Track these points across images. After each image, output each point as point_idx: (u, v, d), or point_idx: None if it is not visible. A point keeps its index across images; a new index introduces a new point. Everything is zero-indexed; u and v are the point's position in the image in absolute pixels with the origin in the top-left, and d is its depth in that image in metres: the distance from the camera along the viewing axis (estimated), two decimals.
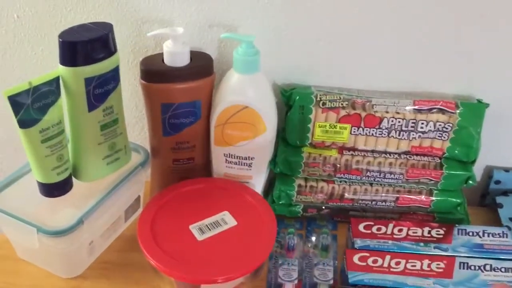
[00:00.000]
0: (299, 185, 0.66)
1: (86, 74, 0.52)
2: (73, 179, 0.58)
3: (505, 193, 0.70)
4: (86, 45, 0.51)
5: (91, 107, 0.55)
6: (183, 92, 0.60)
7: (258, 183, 0.65)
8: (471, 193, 0.71)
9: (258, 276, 0.57)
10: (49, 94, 0.52)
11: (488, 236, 0.61)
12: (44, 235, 0.53)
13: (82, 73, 0.52)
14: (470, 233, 0.61)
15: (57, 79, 0.52)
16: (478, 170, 0.71)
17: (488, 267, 0.57)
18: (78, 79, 0.52)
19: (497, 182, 0.70)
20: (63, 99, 0.54)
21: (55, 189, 0.56)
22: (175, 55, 0.59)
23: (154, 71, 0.59)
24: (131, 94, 0.68)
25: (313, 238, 0.65)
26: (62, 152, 0.55)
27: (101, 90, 0.54)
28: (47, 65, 0.68)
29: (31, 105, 0.50)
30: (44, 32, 0.65)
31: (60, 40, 0.51)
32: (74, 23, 0.54)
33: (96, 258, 0.62)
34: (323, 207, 0.67)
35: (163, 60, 0.59)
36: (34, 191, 0.56)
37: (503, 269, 0.57)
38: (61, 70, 0.52)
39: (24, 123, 0.51)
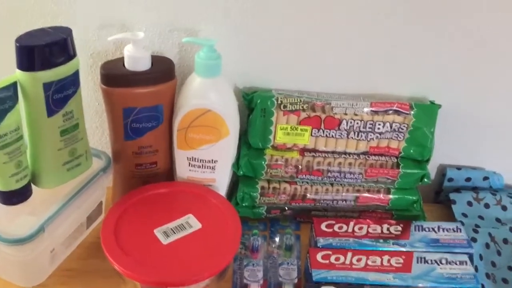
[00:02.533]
0: (262, 187, 0.66)
1: (45, 79, 0.52)
2: (33, 185, 0.57)
3: (457, 190, 0.73)
4: (44, 49, 0.50)
5: (50, 112, 0.54)
6: (144, 96, 0.60)
7: (221, 186, 0.66)
8: (426, 191, 0.73)
9: (223, 278, 0.58)
10: (6, 99, 0.50)
11: (443, 231, 0.64)
12: (4, 244, 0.52)
13: (41, 78, 0.51)
14: (426, 229, 0.64)
15: (14, 84, 0.51)
16: (432, 169, 0.74)
17: (444, 261, 0.59)
18: (36, 84, 0.51)
19: (450, 179, 0.73)
20: (21, 104, 0.53)
21: (13, 197, 0.55)
22: (136, 59, 0.58)
23: (115, 76, 0.59)
24: (91, 99, 0.68)
25: (277, 239, 0.66)
26: (20, 159, 0.53)
27: (61, 95, 0.54)
28: (5, 70, 0.66)
29: None
30: (1, 36, 0.63)
31: (17, 44, 0.50)
32: (30, 28, 0.53)
33: (57, 266, 0.60)
34: (286, 208, 0.68)
35: (124, 65, 0.59)
36: None
37: (458, 262, 0.59)
38: (19, 75, 0.51)
39: None
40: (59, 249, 0.59)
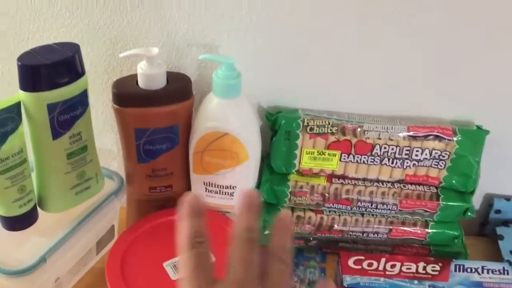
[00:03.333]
0: None
1: (49, 100, 0.48)
2: (40, 210, 0.54)
3: (505, 223, 0.66)
4: (48, 68, 0.47)
5: (56, 134, 0.50)
6: (159, 116, 0.55)
7: None
8: (469, 222, 0.66)
9: None
10: (8, 121, 0.47)
11: (488, 272, 0.57)
12: (3, 275, 0.49)
13: (45, 99, 0.48)
14: (468, 270, 0.57)
15: (17, 105, 0.48)
16: (477, 197, 0.67)
17: None
18: (40, 105, 0.48)
19: (498, 211, 0.66)
20: (25, 126, 0.49)
21: (17, 222, 0.52)
22: (150, 77, 0.54)
23: (127, 95, 0.55)
24: (105, 116, 0.64)
25: (300, 273, 0.61)
26: (24, 183, 0.50)
27: (67, 116, 0.50)
28: (16, 86, 0.63)
29: None
30: (10, 50, 0.61)
31: (19, 63, 0.46)
32: (42, 42, 0.50)
33: None
34: (311, 238, 0.63)
35: (137, 83, 0.55)
36: None
37: None
38: (22, 96, 0.48)
39: None
40: (65, 278, 0.56)
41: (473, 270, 0.57)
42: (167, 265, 0.52)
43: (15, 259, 0.51)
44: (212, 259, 0.35)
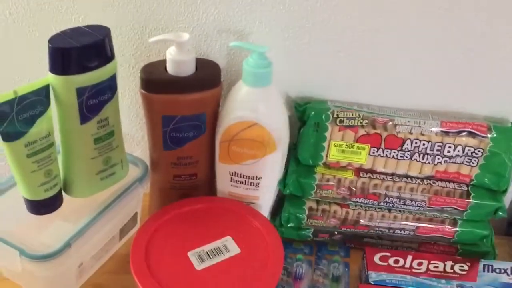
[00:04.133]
0: (310, 208, 0.60)
1: (78, 84, 0.47)
2: (64, 194, 0.53)
3: None
4: (78, 52, 0.46)
5: (84, 119, 0.49)
6: (186, 104, 0.54)
7: (265, 205, 0.60)
8: (497, 221, 0.64)
9: None
10: (36, 104, 0.47)
11: None
12: (27, 260, 0.48)
13: (74, 82, 0.47)
14: (497, 270, 0.56)
15: (46, 88, 0.47)
16: (507, 196, 0.64)
17: None
18: (69, 89, 0.47)
19: None
20: (53, 109, 0.49)
21: (42, 206, 0.51)
22: (179, 63, 0.53)
23: (155, 81, 0.54)
24: (131, 101, 0.63)
25: (324, 267, 0.60)
26: (50, 167, 0.50)
27: (95, 100, 0.49)
28: (40, 70, 0.63)
29: (16, 117, 0.45)
30: (38, 33, 0.60)
31: (50, 45, 0.45)
32: (71, 24, 0.49)
33: (85, 280, 0.57)
34: (336, 232, 0.62)
35: (165, 68, 0.54)
36: (21, 207, 0.51)
37: None
38: (51, 78, 0.47)
39: (8, 136, 0.46)
40: (88, 263, 0.56)
41: (502, 271, 0.56)
42: (192, 255, 0.51)
43: (39, 243, 0.51)
44: None
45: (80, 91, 0.48)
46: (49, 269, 0.50)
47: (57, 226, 0.53)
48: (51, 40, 0.46)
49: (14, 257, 0.49)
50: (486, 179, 0.57)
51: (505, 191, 0.58)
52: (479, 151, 0.56)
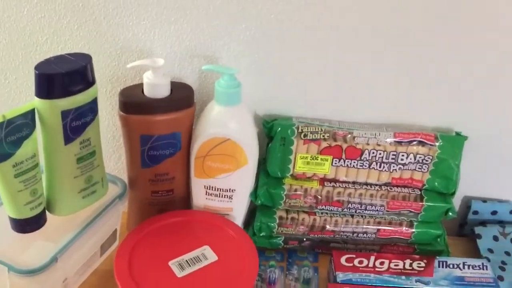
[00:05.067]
0: (280, 217, 0.65)
1: (63, 107, 0.51)
2: (48, 213, 0.56)
3: (483, 223, 0.71)
4: (63, 77, 0.49)
5: (68, 140, 0.53)
6: (163, 124, 0.58)
7: (238, 216, 0.64)
8: (449, 223, 0.71)
9: None
10: (23, 127, 0.50)
11: (469, 268, 0.61)
12: (16, 275, 0.51)
13: (59, 106, 0.50)
14: (451, 265, 0.61)
15: (32, 112, 0.50)
16: (456, 200, 0.71)
17: None
18: (54, 112, 0.51)
19: (475, 212, 0.71)
20: (38, 131, 0.52)
21: (27, 225, 0.54)
22: (156, 86, 0.58)
23: (133, 103, 0.58)
24: (108, 124, 0.67)
25: (295, 271, 0.64)
26: (36, 187, 0.53)
27: (78, 122, 0.53)
28: (21, 94, 0.66)
29: (4, 139, 0.48)
30: (18, 61, 0.63)
31: (36, 72, 0.49)
32: (50, 53, 0.52)
33: None
34: (304, 239, 0.66)
35: (142, 91, 0.58)
36: (5, 226, 0.54)
37: None
38: (37, 103, 0.50)
39: None
40: (71, 278, 0.58)
41: (455, 266, 0.61)
42: (172, 264, 0.55)
43: (24, 260, 0.52)
44: None
45: (65, 114, 0.51)
46: (36, 283, 0.52)
47: (40, 244, 0.55)
48: (37, 67, 0.50)
49: (3, 273, 0.51)
50: (436, 183, 0.63)
51: (453, 193, 0.64)
52: (428, 158, 0.62)
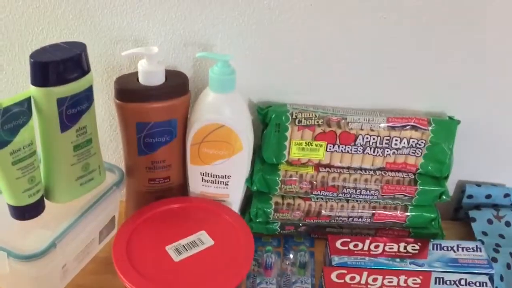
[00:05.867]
0: (276, 203, 0.65)
1: (59, 95, 0.51)
2: (46, 200, 0.57)
3: (477, 207, 0.72)
4: (58, 65, 0.50)
5: (64, 127, 0.53)
6: (158, 111, 0.59)
7: (234, 202, 0.65)
8: (444, 207, 0.72)
9: None
10: (20, 115, 0.50)
11: (463, 250, 0.62)
12: (15, 260, 0.51)
13: (55, 93, 0.51)
14: (445, 248, 0.62)
15: (28, 100, 0.51)
16: (451, 185, 0.72)
17: (463, 282, 0.58)
18: (50, 100, 0.51)
19: (470, 196, 0.72)
20: (35, 119, 0.53)
21: (26, 212, 0.55)
22: (150, 74, 0.58)
23: (128, 90, 0.59)
24: (104, 113, 0.68)
25: (291, 256, 0.65)
26: (33, 174, 0.53)
27: (74, 110, 0.53)
28: (18, 84, 0.67)
29: (1, 127, 0.49)
30: (15, 51, 0.64)
31: (32, 60, 0.50)
32: (46, 43, 0.53)
33: (69, 281, 0.60)
34: (300, 224, 0.67)
35: (137, 79, 0.59)
36: (4, 213, 0.55)
37: (477, 283, 0.57)
38: (33, 91, 0.51)
39: None
40: (71, 264, 0.59)
41: (449, 248, 0.62)
42: (169, 249, 0.56)
43: (24, 246, 0.53)
44: None
45: (60, 101, 0.52)
46: (36, 268, 0.53)
47: (39, 231, 0.56)
48: (33, 55, 0.50)
49: (2, 259, 0.52)
50: (429, 167, 0.64)
51: (447, 177, 0.65)
52: (422, 142, 0.63)
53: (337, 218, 0.66)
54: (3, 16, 0.62)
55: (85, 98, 0.54)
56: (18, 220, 0.55)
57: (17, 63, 0.65)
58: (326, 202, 0.66)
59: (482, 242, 0.65)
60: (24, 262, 0.52)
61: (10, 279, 0.57)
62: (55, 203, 0.57)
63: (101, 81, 0.65)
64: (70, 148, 0.55)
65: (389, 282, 0.57)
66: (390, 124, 0.63)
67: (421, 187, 0.64)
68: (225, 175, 0.63)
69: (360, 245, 0.62)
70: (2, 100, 0.49)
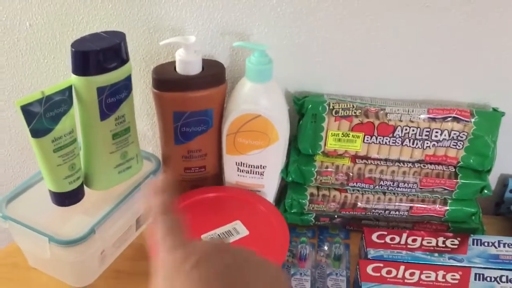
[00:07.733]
0: (311, 194, 0.65)
1: (99, 84, 0.52)
2: (85, 187, 0.58)
3: None
4: (98, 54, 0.51)
5: (103, 116, 0.54)
6: (195, 100, 0.59)
7: (270, 192, 0.65)
8: (485, 202, 0.69)
9: None
10: (61, 103, 0.52)
11: (504, 246, 0.60)
12: (56, 245, 0.53)
13: (95, 82, 0.52)
14: (486, 244, 0.61)
15: (69, 88, 0.52)
16: (492, 178, 0.70)
17: (504, 279, 0.56)
18: (90, 89, 0.52)
19: None
20: (75, 108, 0.54)
21: (66, 198, 0.56)
22: (188, 63, 0.58)
23: (166, 80, 0.59)
24: (142, 102, 0.68)
25: (326, 247, 0.65)
26: (74, 161, 0.55)
27: (113, 99, 0.54)
28: (59, 73, 0.68)
29: (43, 115, 0.50)
30: (56, 40, 0.65)
31: (73, 49, 0.51)
32: (86, 32, 0.54)
33: (107, 267, 0.61)
34: (336, 216, 0.67)
35: (175, 69, 0.59)
36: (46, 200, 0.56)
37: None
38: (74, 79, 0.52)
39: (36, 133, 0.51)
40: (109, 250, 0.60)
41: (490, 244, 0.60)
42: (205, 237, 0.56)
43: (64, 232, 0.54)
44: (183, 224, 0.35)
45: (100, 90, 0.53)
46: (75, 254, 0.54)
47: (79, 218, 0.57)
48: (74, 45, 0.51)
49: (44, 244, 0.53)
50: (471, 160, 0.62)
51: (489, 171, 0.63)
52: (463, 134, 0.61)
53: (373, 210, 0.65)
54: (45, 6, 0.63)
55: (124, 87, 0.55)
56: (59, 206, 0.56)
57: (58, 52, 0.66)
58: (362, 194, 0.65)
59: None
60: (64, 247, 0.53)
61: (51, 264, 0.58)
62: (94, 190, 0.59)
63: (139, 70, 0.66)
64: (109, 136, 0.56)
65: (426, 277, 0.56)
66: (431, 116, 0.61)
67: (462, 181, 0.62)
68: (261, 165, 0.62)
69: (397, 239, 0.61)
70: (44, 89, 0.50)
